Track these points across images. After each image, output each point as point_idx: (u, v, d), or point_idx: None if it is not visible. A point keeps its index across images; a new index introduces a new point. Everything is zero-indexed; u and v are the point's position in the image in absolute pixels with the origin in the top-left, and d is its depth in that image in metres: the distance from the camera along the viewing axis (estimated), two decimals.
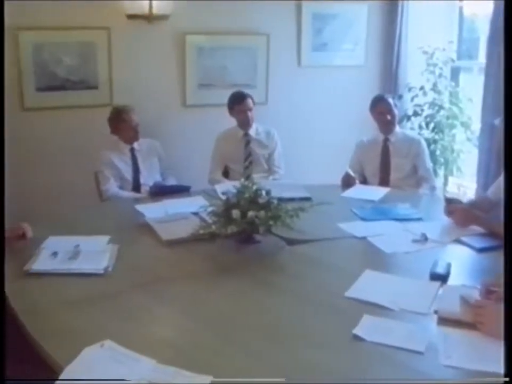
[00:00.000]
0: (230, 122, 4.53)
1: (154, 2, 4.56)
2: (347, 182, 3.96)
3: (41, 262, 2.58)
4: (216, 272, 2.55)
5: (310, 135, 5.36)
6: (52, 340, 1.91)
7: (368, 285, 2.32)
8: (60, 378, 1.64)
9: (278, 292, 2.33)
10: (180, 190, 3.84)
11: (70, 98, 4.71)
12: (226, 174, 4.55)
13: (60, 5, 4.42)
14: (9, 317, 2.20)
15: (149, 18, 4.65)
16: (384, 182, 4.22)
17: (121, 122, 4.19)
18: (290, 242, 2.83)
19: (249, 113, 4.41)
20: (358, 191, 3.82)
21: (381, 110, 4.24)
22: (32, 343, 1.96)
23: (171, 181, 4.33)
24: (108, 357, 1.75)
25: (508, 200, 1.89)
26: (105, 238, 2.88)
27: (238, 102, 4.41)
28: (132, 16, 4.63)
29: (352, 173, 4.01)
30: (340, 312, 2.11)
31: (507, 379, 1.51)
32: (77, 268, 2.52)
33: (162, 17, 4.70)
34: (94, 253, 2.68)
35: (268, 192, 2.76)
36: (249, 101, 4.40)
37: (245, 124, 4.45)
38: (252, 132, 4.50)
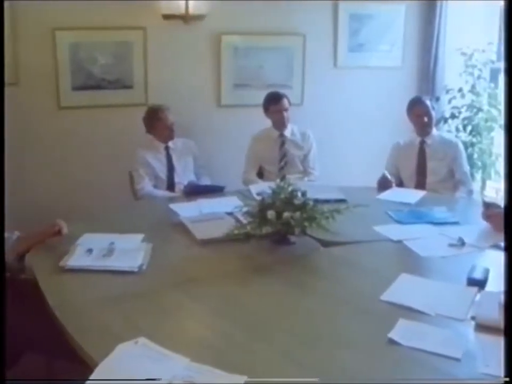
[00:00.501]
0: (265, 122, 4.52)
1: (190, 3, 4.57)
2: (383, 185, 3.92)
3: (77, 259, 2.61)
4: (250, 272, 2.54)
5: (345, 137, 5.31)
6: (87, 335, 1.93)
7: (404, 289, 2.29)
8: (94, 373, 1.65)
9: (312, 294, 2.32)
10: (214, 190, 3.85)
11: (106, 98, 4.76)
12: (260, 174, 4.54)
13: (97, 5, 4.47)
14: (44, 311, 2.24)
15: (185, 18, 4.66)
16: (420, 185, 4.16)
17: (156, 121, 4.21)
18: (325, 244, 2.81)
19: (285, 114, 4.39)
20: (394, 194, 3.78)
21: (418, 112, 4.18)
22: (67, 338, 1.98)
23: (205, 181, 4.34)
24: (142, 353, 1.76)
25: (508, 200, 1.86)
26: (140, 236, 2.89)
27: (273, 102, 4.39)
28: (168, 16, 4.64)
29: (388, 175, 3.96)
30: (374, 315, 2.09)
31: (507, 379, 1.49)
32: (111, 265, 2.54)
33: (198, 17, 4.70)
34: (129, 250, 2.69)
35: (303, 193, 2.75)
36: (285, 101, 4.39)
37: (280, 124, 4.44)
38: (287, 132, 4.48)
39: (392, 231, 3.01)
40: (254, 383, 1.60)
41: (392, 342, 1.86)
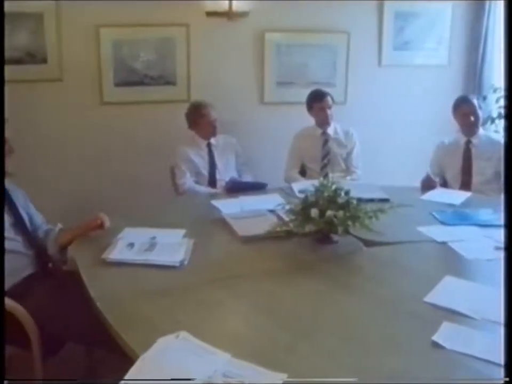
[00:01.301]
0: (308, 120, 4.50)
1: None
2: (427, 185, 3.87)
3: (118, 252, 2.64)
4: (292, 270, 2.52)
5: (389, 136, 5.25)
6: (128, 328, 1.95)
7: (448, 291, 2.24)
8: (135, 365, 1.66)
9: (355, 293, 2.29)
10: (256, 187, 3.85)
11: (148, 94, 4.81)
12: (302, 172, 4.53)
13: (140, 2, 4.53)
14: (85, 302, 2.27)
15: (229, 15, 4.68)
16: (465, 185, 4.09)
17: (199, 117, 4.23)
18: (368, 243, 2.78)
19: (328, 112, 4.37)
20: (438, 194, 3.72)
21: (464, 111, 4.11)
22: (108, 329, 2.01)
23: (247, 178, 4.35)
24: (183, 347, 1.77)
25: (508, 200, 1.82)
26: (181, 232, 2.91)
27: (317, 100, 4.37)
28: (211, 13, 4.66)
29: (432, 175, 3.90)
30: (418, 317, 2.05)
31: (507, 379, 1.47)
32: (153, 259, 2.56)
33: (242, 14, 4.72)
34: (170, 245, 2.71)
35: (347, 192, 2.72)
36: (329, 99, 4.36)
37: (323, 122, 4.41)
38: (330, 130, 4.46)
39: (436, 232, 2.96)
40: (294, 382, 1.59)
41: (436, 345, 1.83)
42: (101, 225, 2.97)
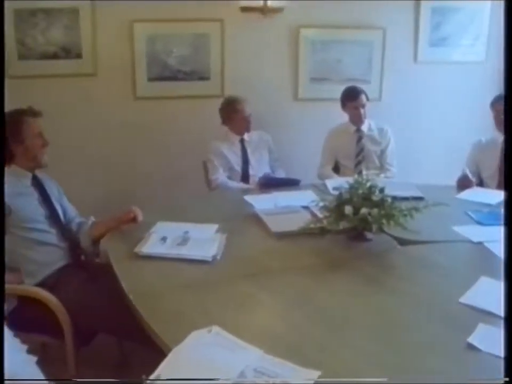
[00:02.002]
0: (342, 117, 4.46)
1: None
2: (463, 183, 3.80)
3: (151, 246, 2.65)
4: (325, 267, 2.51)
5: (424, 133, 5.19)
6: (160, 321, 1.96)
7: (484, 293, 2.20)
8: (167, 358, 1.66)
9: (389, 292, 2.26)
10: (289, 183, 3.84)
11: (181, 89, 4.82)
12: (336, 169, 4.50)
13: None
14: (117, 294, 2.29)
15: (263, 10, 4.66)
16: (502, 185, 4.00)
17: (234, 113, 4.22)
18: (402, 242, 2.75)
19: (362, 110, 4.33)
20: (474, 194, 3.65)
21: (499, 109, 4.02)
22: (140, 322, 2.02)
23: (280, 174, 4.34)
24: (215, 342, 1.77)
25: (508, 200, 1.78)
26: (214, 227, 2.91)
27: (351, 98, 4.34)
28: (246, 9, 4.65)
29: (469, 174, 3.84)
30: (452, 318, 2.02)
31: (507, 379, 1.45)
32: (186, 253, 2.57)
33: (277, 10, 4.69)
34: (203, 240, 2.71)
35: (381, 190, 2.69)
36: (363, 97, 4.32)
37: (357, 120, 4.38)
38: (364, 127, 4.42)
39: (472, 232, 2.91)
40: (326, 380, 1.57)
41: (471, 347, 1.80)
42: (134, 219, 2.99)
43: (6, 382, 1.15)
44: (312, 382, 1.54)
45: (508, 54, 2.00)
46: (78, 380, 1.82)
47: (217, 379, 1.51)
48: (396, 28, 5.02)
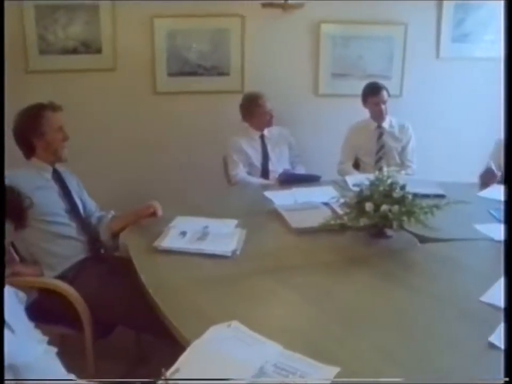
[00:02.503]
0: (363, 113, 4.44)
1: None
2: (488, 178, 3.74)
3: (170, 240, 2.66)
4: (345, 264, 2.50)
5: (445, 130, 5.13)
6: (179, 315, 1.96)
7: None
8: (186, 352, 1.66)
9: (409, 290, 2.24)
10: (309, 179, 3.83)
11: (201, 84, 4.82)
12: (356, 166, 4.48)
13: None
14: (136, 288, 2.30)
15: (284, 6, 4.62)
16: None
17: (256, 108, 4.21)
18: (423, 239, 2.72)
19: (383, 106, 4.30)
20: (496, 191, 3.60)
21: None
22: (160, 315, 2.02)
23: (300, 170, 4.33)
24: (234, 337, 1.76)
25: (508, 200, 1.75)
26: (234, 222, 2.91)
27: (372, 94, 4.31)
28: (266, 5, 4.62)
29: (494, 168, 3.77)
30: (474, 317, 2.00)
31: (507, 379, 1.43)
32: (205, 248, 2.57)
33: (297, 6, 4.65)
34: (222, 235, 2.71)
35: (402, 187, 2.67)
36: (384, 93, 4.29)
37: (377, 116, 4.35)
38: (385, 124, 4.39)
39: (494, 230, 2.86)
40: (343, 380, 1.56)
41: (492, 346, 1.77)
42: (154, 214, 2.99)
43: (6, 382, 1.15)
44: (329, 381, 1.52)
45: (508, 54, 1.98)
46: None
47: (232, 379, 1.50)
48: (417, 23, 4.96)
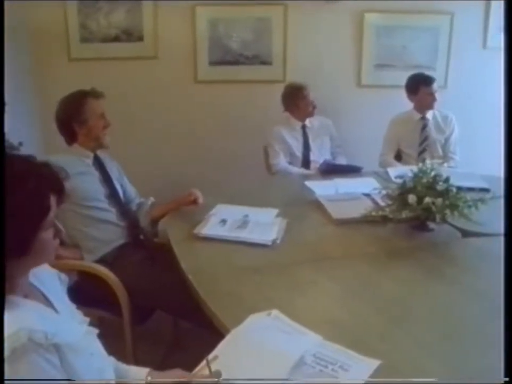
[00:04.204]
0: (406, 104, 4.37)
1: None
2: None
3: (211, 228, 2.66)
4: (386, 255, 2.46)
5: (490, 123, 4.98)
6: (219, 302, 1.95)
7: None
8: (225, 339, 1.66)
9: (450, 284, 2.19)
10: (351, 170, 3.80)
11: (243, 73, 4.81)
12: (398, 157, 4.42)
13: None
14: (175, 274, 2.31)
15: None
16: None
17: (299, 99, 4.20)
18: (466, 233, 2.66)
19: (434, 97, 4.22)
20: None
21: None
22: (199, 302, 2.02)
23: (341, 160, 4.29)
24: (274, 325, 1.75)
25: (508, 199, 1.69)
26: (274, 211, 2.90)
27: (425, 84, 4.22)
28: None
29: None
30: None
31: (507, 379, 1.39)
32: (245, 237, 2.56)
33: None
34: (263, 224, 2.70)
35: (446, 179, 2.62)
36: (435, 85, 4.22)
37: (428, 106, 4.28)
38: (428, 115, 4.32)
39: None
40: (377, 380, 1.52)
41: None
42: (195, 201, 3.00)
43: (6, 382, 1.16)
44: (363, 381, 1.50)
45: (508, 54, 1.91)
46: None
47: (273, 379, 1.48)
48: (464, 12, 4.85)
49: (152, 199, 3.11)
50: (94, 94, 2.87)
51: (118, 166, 3.10)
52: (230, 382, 1.44)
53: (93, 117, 2.84)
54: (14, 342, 1.18)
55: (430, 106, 4.27)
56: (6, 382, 1.16)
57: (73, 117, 2.81)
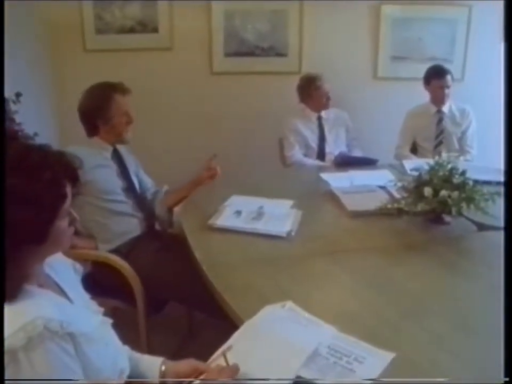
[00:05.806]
0: (422, 97, 4.34)
1: None
2: None
3: (225, 219, 2.65)
4: (401, 248, 2.44)
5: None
6: (233, 293, 1.95)
7: None
8: (239, 330, 1.65)
9: (466, 278, 2.17)
10: (366, 162, 3.78)
11: (258, 65, 4.81)
12: (413, 150, 4.40)
13: None
14: (189, 265, 2.31)
15: None
16: None
17: (314, 90, 4.19)
18: (482, 227, 2.63)
19: (446, 91, 4.20)
20: None
21: None
22: (213, 293, 2.02)
23: (357, 152, 4.28)
24: (288, 317, 1.74)
25: (508, 199, 1.73)
26: (289, 203, 2.88)
27: (437, 77, 4.21)
28: None
29: None
30: None
31: (507, 379, 1.38)
32: (260, 228, 2.55)
33: None
34: (278, 216, 2.69)
35: (463, 172, 2.60)
36: (449, 78, 4.19)
37: (439, 100, 4.25)
38: (445, 108, 4.30)
39: None
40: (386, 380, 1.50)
41: None
42: (212, 176, 2.99)
43: (6, 382, 1.16)
44: (371, 382, 1.48)
45: (508, 54, 1.89)
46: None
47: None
48: (482, 4, 4.80)
49: (166, 187, 3.12)
50: (122, 91, 2.84)
51: (134, 158, 3.10)
52: (247, 382, 1.44)
53: (118, 115, 2.83)
54: (30, 330, 1.18)
55: (441, 100, 4.25)
56: (6, 382, 1.16)
57: (98, 114, 2.80)
